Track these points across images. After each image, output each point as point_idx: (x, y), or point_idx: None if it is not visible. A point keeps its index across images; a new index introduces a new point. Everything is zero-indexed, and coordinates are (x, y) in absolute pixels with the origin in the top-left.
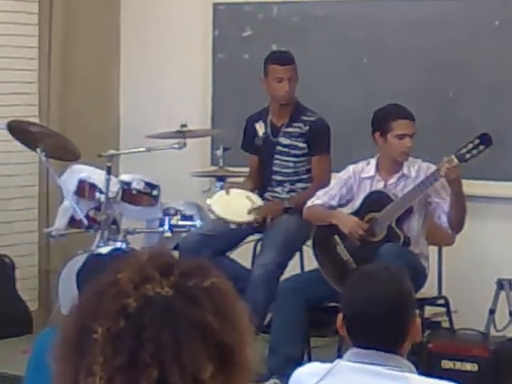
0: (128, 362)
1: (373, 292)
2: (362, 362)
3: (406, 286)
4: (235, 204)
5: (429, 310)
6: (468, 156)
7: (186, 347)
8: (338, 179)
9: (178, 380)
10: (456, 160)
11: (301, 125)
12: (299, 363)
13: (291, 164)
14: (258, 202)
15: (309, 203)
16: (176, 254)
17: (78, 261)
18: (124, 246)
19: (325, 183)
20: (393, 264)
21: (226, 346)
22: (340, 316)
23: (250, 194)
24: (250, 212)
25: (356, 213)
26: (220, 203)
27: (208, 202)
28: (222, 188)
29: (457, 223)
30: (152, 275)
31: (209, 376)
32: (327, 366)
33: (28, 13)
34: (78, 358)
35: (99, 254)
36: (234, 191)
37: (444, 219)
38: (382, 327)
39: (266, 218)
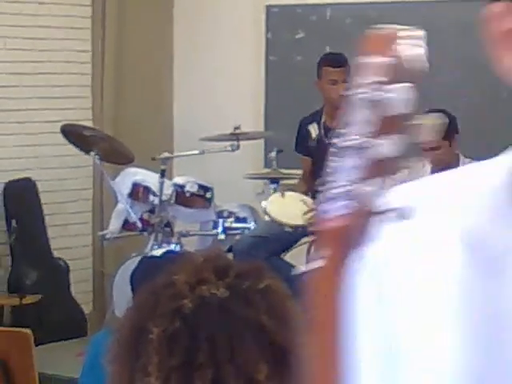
0: (183, 362)
1: None
2: None
3: None
4: (290, 207)
5: None
6: None
7: (240, 348)
8: None
9: (233, 380)
10: None
11: None
12: None
13: None
14: (313, 205)
15: None
16: (230, 256)
17: (132, 263)
18: (178, 248)
19: None
20: None
21: (280, 347)
22: None
23: (305, 197)
24: (305, 214)
25: None
26: (275, 206)
27: (263, 204)
28: (275, 190)
29: None
30: (208, 277)
31: (264, 377)
32: None
33: (82, 17)
34: (134, 359)
35: (153, 257)
36: (289, 194)
37: None
38: None
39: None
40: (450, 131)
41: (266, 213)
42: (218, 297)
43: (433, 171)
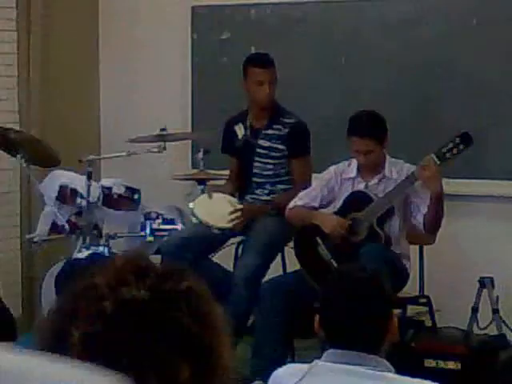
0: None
1: (349, 292)
2: (341, 363)
3: (383, 286)
4: (217, 208)
5: (411, 309)
6: (448, 155)
7: (162, 350)
8: (319, 180)
9: (155, 382)
10: (436, 159)
11: (280, 127)
12: (283, 365)
13: (271, 166)
14: (240, 206)
15: (291, 204)
16: (158, 257)
17: (60, 267)
18: (106, 250)
19: (306, 185)
20: (374, 264)
21: (203, 349)
22: (317, 317)
23: (232, 198)
24: (231, 214)
25: (337, 213)
26: (202, 207)
27: (190, 205)
28: (203, 191)
29: (432, 225)
30: (128, 278)
31: (186, 379)
32: (305, 366)
33: (6, 19)
34: None
35: (77, 259)
36: (216, 195)
37: (420, 219)
38: (359, 327)
39: (247, 222)
40: (382, 135)
41: (193, 214)
42: (139, 299)
43: (364, 171)
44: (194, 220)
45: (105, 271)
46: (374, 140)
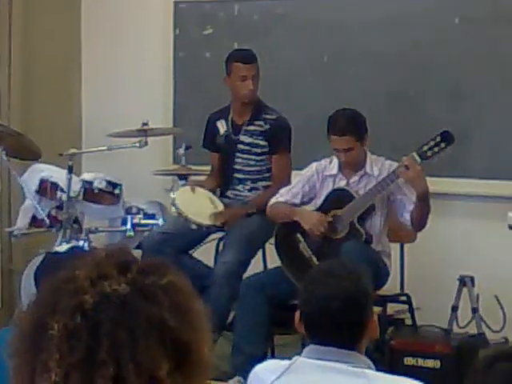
0: (84, 359)
1: (330, 289)
2: (321, 359)
3: (364, 283)
4: (198, 204)
5: (391, 307)
6: (429, 153)
7: (142, 344)
8: (300, 177)
9: (134, 377)
10: (417, 157)
11: (261, 123)
12: (263, 361)
13: (252, 162)
14: (220, 207)
15: (272, 201)
16: (139, 252)
17: (39, 260)
18: (86, 245)
19: (284, 182)
20: (354, 261)
21: (182, 344)
22: (297, 313)
23: (214, 196)
24: (211, 217)
25: (318, 210)
26: (184, 199)
27: (172, 195)
28: (186, 184)
29: (420, 222)
30: (109, 272)
31: (165, 374)
32: (285, 362)
33: None
34: (34, 354)
35: (57, 253)
36: (199, 190)
37: (407, 217)
38: (339, 324)
39: (227, 223)
40: (362, 132)
41: (173, 204)
42: (120, 292)
43: (345, 168)
44: (173, 210)
45: (85, 264)
46: (353, 137)
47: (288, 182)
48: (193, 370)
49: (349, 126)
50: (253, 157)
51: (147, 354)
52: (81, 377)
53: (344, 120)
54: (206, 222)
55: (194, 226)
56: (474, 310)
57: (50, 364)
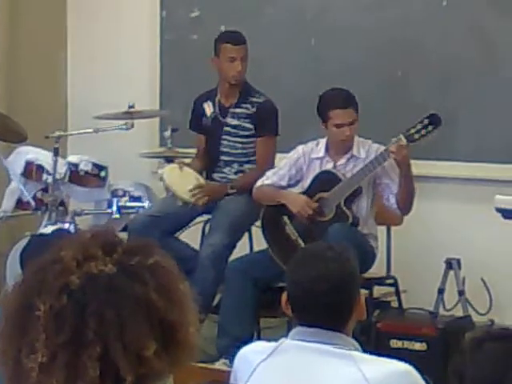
0: (71, 339)
1: (317, 270)
2: (307, 341)
3: (351, 265)
4: (185, 181)
5: (378, 290)
6: (417, 136)
7: (129, 324)
8: (287, 159)
9: (122, 357)
10: (404, 140)
11: (248, 106)
12: (248, 343)
13: (239, 145)
14: (201, 183)
15: (258, 183)
16: (125, 235)
17: (25, 242)
18: (72, 227)
19: (268, 166)
20: (341, 244)
21: (169, 324)
22: (284, 295)
23: (200, 177)
24: (192, 189)
25: (305, 193)
26: (171, 175)
27: (160, 171)
28: (174, 163)
29: (405, 205)
30: (95, 253)
31: (152, 353)
32: (272, 344)
33: None
34: (21, 336)
35: (42, 235)
36: (186, 169)
37: (393, 201)
38: (326, 305)
39: (211, 200)
40: (358, 107)
41: (161, 179)
42: (106, 273)
43: (332, 151)
44: (161, 185)
45: (71, 246)
46: (354, 110)
47: (272, 166)
48: (179, 350)
49: (350, 98)
50: (239, 139)
51: (134, 334)
52: (68, 357)
53: (344, 93)
54: (190, 198)
55: (179, 203)
56: (460, 293)
57: (37, 345)
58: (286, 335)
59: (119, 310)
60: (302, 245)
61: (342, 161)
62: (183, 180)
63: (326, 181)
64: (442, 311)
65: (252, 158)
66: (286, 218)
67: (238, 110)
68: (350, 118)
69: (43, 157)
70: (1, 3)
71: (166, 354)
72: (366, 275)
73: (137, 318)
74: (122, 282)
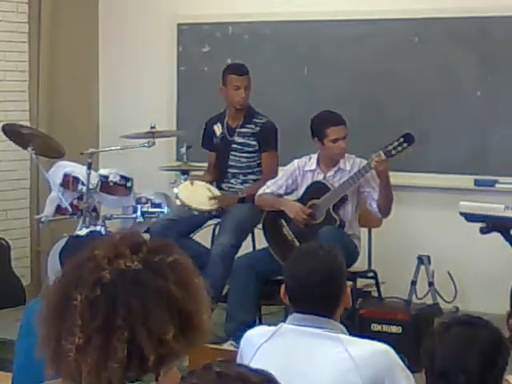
0: (103, 325)
1: (310, 266)
2: (302, 325)
3: (339, 261)
4: (198, 193)
5: (360, 282)
6: (394, 152)
7: (152, 312)
8: (284, 171)
9: (146, 340)
10: (383, 155)
11: (252, 126)
12: (251, 327)
13: (244, 159)
14: (217, 192)
15: (260, 192)
16: (147, 236)
17: (63, 243)
18: (103, 229)
19: (273, 176)
20: (330, 243)
21: (186, 312)
22: (282, 286)
23: (210, 186)
24: (210, 199)
25: (300, 200)
26: (185, 192)
27: (175, 190)
28: (186, 180)
29: (385, 209)
30: (124, 252)
31: (171, 337)
32: (272, 328)
33: (19, 32)
34: (60, 322)
35: (78, 236)
36: (196, 183)
37: (374, 206)
38: (318, 295)
39: (223, 207)
40: (346, 125)
41: (177, 197)
42: (133, 269)
43: (322, 164)
44: (178, 203)
45: (103, 245)
46: (346, 127)
47: (275, 175)
48: (194, 334)
49: (341, 117)
50: (244, 155)
51: (156, 321)
52: (100, 340)
53: (336, 113)
54: (206, 207)
55: (196, 213)
56: (430, 284)
57: (74, 329)
58: (283, 320)
59: (144, 301)
60: (297, 244)
61: (331, 173)
62: (195, 193)
63: (317, 190)
64: (414, 300)
65: (255, 170)
66: (283, 222)
67: (243, 130)
68: (344, 133)
69: (79, 170)
70: (43, 42)
71: (183, 337)
72: (351, 269)
73: (159, 307)
74: (146, 276)
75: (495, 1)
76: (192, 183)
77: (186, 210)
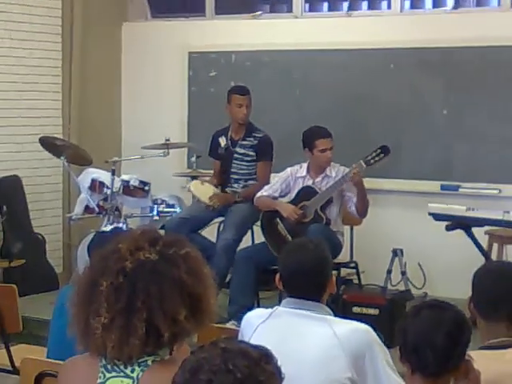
0: (125, 307)
1: (301, 257)
2: (295, 308)
3: (325, 254)
4: (205, 191)
5: (344, 271)
6: (372, 161)
7: (167, 297)
8: (279, 177)
9: (161, 320)
10: (364, 164)
11: (252, 139)
12: (251, 310)
13: (244, 167)
14: (217, 192)
15: (258, 194)
16: (162, 232)
17: (91, 237)
18: (124, 226)
19: (265, 182)
20: (318, 238)
21: (195, 297)
22: (277, 275)
23: (215, 188)
24: (211, 197)
25: (292, 201)
26: (196, 187)
27: (188, 185)
28: (198, 179)
29: (362, 211)
30: (143, 245)
31: (183, 318)
32: (269, 310)
33: (53, 50)
34: (89, 304)
35: (103, 232)
36: (206, 184)
37: (353, 208)
38: (308, 283)
39: (223, 206)
40: (332, 138)
41: (189, 190)
42: (151, 260)
43: (311, 171)
44: (191, 190)
45: (126, 239)
46: (332, 139)
47: (268, 182)
48: (203, 315)
49: (328, 131)
50: (245, 163)
51: (171, 304)
52: (123, 320)
53: (324, 128)
54: (209, 202)
55: (203, 205)
56: (403, 273)
57: (101, 311)
58: (278, 304)
59: (160, 287)
60: (290, 239)
61: (319, 179)
62: (204, 190)
63: (307, 193)
64: (389, 286)
65: (253, 176)
66: (278, 220)
67: (244, 142)
68: (330, 145)
69: (104, 176)
70: (74, 66)
71: (193, 318)
72: (336, 261)
73: (173, 292)
74: (162, 266)
75: (457, 33)
76: (202, 183)
77: (195, 202)
